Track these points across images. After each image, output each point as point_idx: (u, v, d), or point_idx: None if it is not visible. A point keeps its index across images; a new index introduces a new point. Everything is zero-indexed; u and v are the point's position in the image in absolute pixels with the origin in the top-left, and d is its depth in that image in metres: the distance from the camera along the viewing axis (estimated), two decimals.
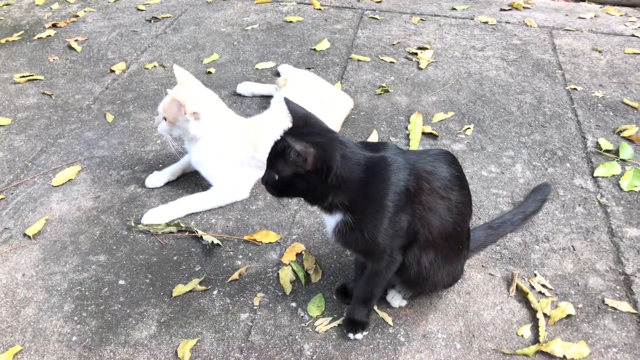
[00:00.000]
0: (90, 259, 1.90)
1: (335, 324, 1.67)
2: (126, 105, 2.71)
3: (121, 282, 1.82)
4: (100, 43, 3.31)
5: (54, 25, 3.52)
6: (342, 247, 1.52)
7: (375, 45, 3.24)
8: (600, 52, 3.17)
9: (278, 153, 1.38)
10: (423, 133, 2.48)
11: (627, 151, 2.35)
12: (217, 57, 3.11)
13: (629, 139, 2.45)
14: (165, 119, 2.01)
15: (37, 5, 3.83)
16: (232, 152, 2.09)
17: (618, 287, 1.79)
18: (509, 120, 2.59)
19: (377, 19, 3.55)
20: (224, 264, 1.88)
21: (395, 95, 2.77)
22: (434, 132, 2.48)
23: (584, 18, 3.59)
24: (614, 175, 2.25)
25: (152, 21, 3.55)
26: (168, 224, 2.00)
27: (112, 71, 3.00)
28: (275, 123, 2.17)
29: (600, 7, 3.77)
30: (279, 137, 1.42)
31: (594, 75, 2.95)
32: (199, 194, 2.08)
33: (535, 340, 1.63)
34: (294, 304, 1.74)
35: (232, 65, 3.04)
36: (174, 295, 1.76)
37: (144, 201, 2.14)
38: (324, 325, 1.67)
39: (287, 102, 1.45)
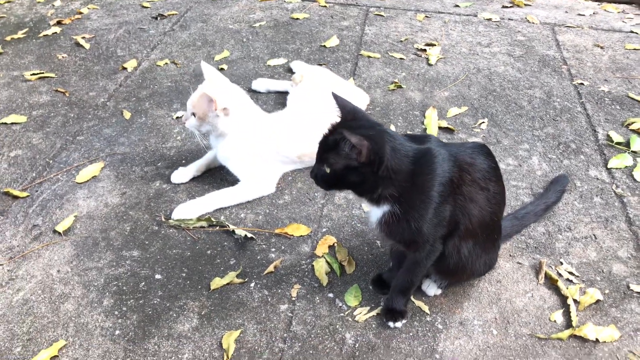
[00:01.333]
0: (124, 254, 1.91)
1: (373, 313, 1.71)
2: (142, 102, 2.72)
3: (157, 276, 1.84)
4: (108, 40, 3.30)
5: (59, 23, 3.49)
6: (386, 237, 1.55)
7: (383, 42, 3.28)
8: (602, 48, 3.26)
9: (329, 146, 1.41)
10: (439, 127, 2.53)
11: (637, 143, 2.43)
12: (227, 54, 3.13)
13: (637, 132, 2.53)
14: (194, 114, 2.03)
15: (39, 2, 3.80)
16: (259, 148, 2.12)
17: (636, 270, 1.86)
18: (521, 114, 2.65)
19: (382, 15, 3.60)
20: (258, 257, 1.90)
21: (409, 91, 2.82)
22: (450, 126, 2.53)
23: (584, 15, 3.68)
24: (626, 166, 2.32)
25: (159, 18, 3.55)
26: (199, 219, 2.02)
27: (124, 68, 3.00)
28: (297, 119, 2.19)
29: (598, 4, 3.87)
30: (327, 131, 1.45)
31: (598, 70, 3.03)
32: (228, 189, 2.11)
33: (568, 325, 1.69)
34: (331, 295, 1.78)
35: (244, 61, 3.06)
36: (212, 288, 1.79)
37: (171, 197, 2.15)
38: (362, 314, 1.71)
39: (335, 96, 1.48)
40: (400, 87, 2.84)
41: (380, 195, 1.43)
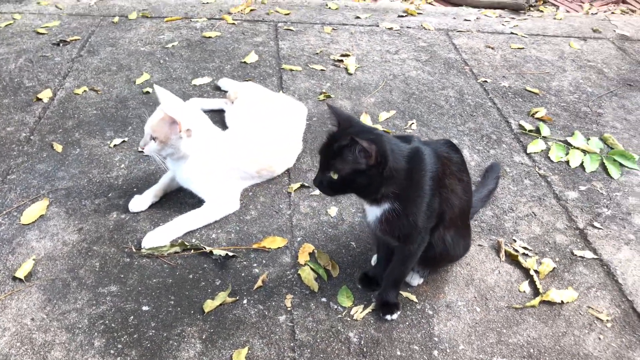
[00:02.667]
0: (101, 291, 1.83)
1: (369, 309, 1.81)
2: (70, 133, 2.58)
3: (145, 307, 1.78)
4: (9, 71, 3.07)
5: None
6: (383, 234, 1.65)
7: (300, 55, 3.39)
8: (492, 48, 3.65)
9: (334, 154, 1.48)
10: None
11: (545, 130, 2.77)
12: (148, 77, 3.05)
13: (542, 120, 2.88)
14: (154, 139, 1.99)
15: None
16: (221, 166, 2.12)
17: (578, 240, 2.14)
18: (442, 113, 2.90)
19: (292, 30, 3.71)
20: (243, 274, 1.91)
21: (338, 100, 2.96)
22: (386, 130, 2.70)
23: (469, 20, 4.08)
24: (542, 150, 2.64)
25: (61, 44, 3.36)
26: (172, 244, 1.98)
27: (39, 99, 2.81)
28: (251, 135, 2.23)
29: (478, 11, 4.30)
30: (327, 140, 1.52)
31: (495, 68, 3.39)
32: (194, 211, 2.08)
33: (535, 293, 1.90)
34: (324, 299, 1.84)
35: (167, 83, 3.01)
36: (206, 311, 1.77)
37: (133, 226, 2.08)
38: (359, 313, 1.79)
39: (331, 107, 1.55)
40: (329, 96, 2.97)
41: (382, 194, 1.53)
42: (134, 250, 1.97)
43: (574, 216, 2.25)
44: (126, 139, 2.54)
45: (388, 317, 1.77)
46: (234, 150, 2.16)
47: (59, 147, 2.47)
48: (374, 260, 1.96)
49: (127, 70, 3.12)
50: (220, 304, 1.80)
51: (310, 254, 2.00)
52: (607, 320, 1.82)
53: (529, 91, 3.15)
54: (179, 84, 3.01)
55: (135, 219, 2.12)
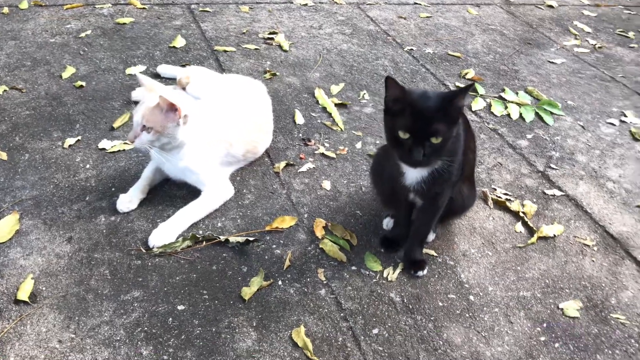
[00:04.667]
0: (125, 298, 1.68)
1: (399, 270, 1.87)
2: (8, 138, 2.28)
3: (180, 307, 1.68)
4: None
5: None
6: (420, 194, 1.71)
7: (227, 35, 3.30)
8: (405, 19, 3.84)
9: (432, 119, 1.47)
10: (335, 104, 2.73)
11: (480, 88, 3.01)
12: (74, 70, 2.78)
13: (473, 80, 3.12)
14: (147, 129, 1.84)
15: None
16: (215, 152, 2.04)
17: (544, 181, 2.39)
18: None
19: (209, 11, 3.58)
20: (266, 257, 1.87)
21: (285, 77, 2.94)
22: (343, 102, 2.75)
23: None
24: (484, 107, 2.87)
25: None
26: (184, 239, 1.87)
27: None
28: (230, 116, 2.14)
29: None
30: (413, 111, 1.49)
31: (414, 37, 3.58)
32: (195, 202, 1.98)
33: (530, 231, 2.10)
34: (354, 267, 1.87)
35: (100, 75, 2.77)
36: (246, 299, 1.71)
37: (130, 227, 1.93)
38: (391, 274, 1.86)
39: (390, 79, 1.51)
40: (275, 74, 2.94)
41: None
42: (144, 251, 1.83)
43: (532, 161, 2.50)
44: (80, 138, 2.31)
45: (420, 273, 1.85)
46: (226, 134, 2.07)
47: (3, 155, 2.18)
48: (385, 223, 2.03)
49: (46, 65, 2.80)
50: (258, 289, 1.75)
51: (324, 227, 2.00)
52: (593, 245, 2.07)
53: (452, 55, 3.38)
54: (113, 74, 2.78)
55: (127, 219, 1.96)
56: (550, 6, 4.40)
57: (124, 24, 3.29)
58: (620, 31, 4.06)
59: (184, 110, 1.85)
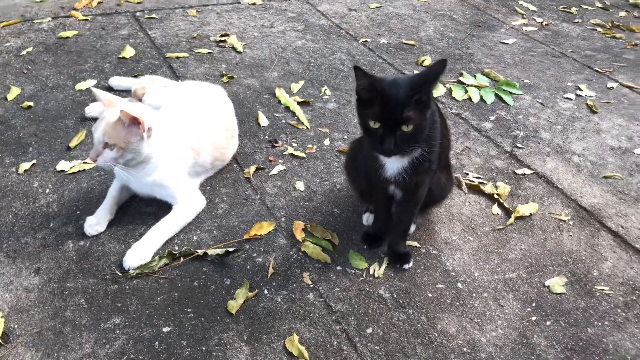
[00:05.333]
0: (106, 326, 1.59)
1: (384, 265, 1.85)
2: None
3: (165, 329, 1.60)
4: None
5: None
6: (401, 185, 1.68)
7: (178, 41, 3.20)
8: (355, 11, 3.82)
9: (403, 107, 1.43)
10: (297, 103, 2.68)
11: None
12: (19, 91, 2.63)
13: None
14: (110, 146, 1.75)
15: None
16: (183, 163, 1.96)
17: (512, 161, 2.41)
18: (345, 75, 2.99)
19: (155, 17, 3.47)
20: (248, 267, 1.82)
21: (243, 79, 2.87)
22: (306, 99, 2.71)
23: None
24: (445, 92, 2.88)
25: None
26: (161, 257, 1.79)
27: None
28: (195, 125, 2.06)
29: None
30: (383, 100, 1.45)
31: (367, 28, 3.56)
32: (168, 217, 1.90)
33: (507, 213, 2.12)
34: (339, 267, 1.84)
35: (48, 93, 2.63)
36: (233, 312, 1.65)
37: (101, 250, 1.83)
38: (377, 270, 1.83)
39: (358, 68, 1.47)
40: (232, 77, 2.87)
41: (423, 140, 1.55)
42: (119, 274, 1.74)
43: (498, 142, 2.52)
44: (35, 161, 2.19)
45: (406, 266, 1.83)
46: (189, 141, 1.99)
47: None
48: (365, 219, 2.00)
49: None
50: (244, 301, 1.69)
51: (303, 229, 1.96)
52: (568, 219, 2.10)
53: (406, 44, 3.38)
54: (62, 91, 2.65)
55: (97, 242, 1.86)
56: None
57: (67, 37, 3.14)
58: (564, 7, 4.15)
59: (147, 123, 1.76)
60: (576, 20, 3.94)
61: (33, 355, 1.50)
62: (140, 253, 1.78)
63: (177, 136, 1.96)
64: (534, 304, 1.75)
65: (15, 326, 1.58)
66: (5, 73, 2.77)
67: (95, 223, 1.88)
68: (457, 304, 1.74)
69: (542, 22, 3.86)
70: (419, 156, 1.60)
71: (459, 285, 1.80)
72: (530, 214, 2.10)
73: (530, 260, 1.91)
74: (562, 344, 1.63)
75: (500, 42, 3.51)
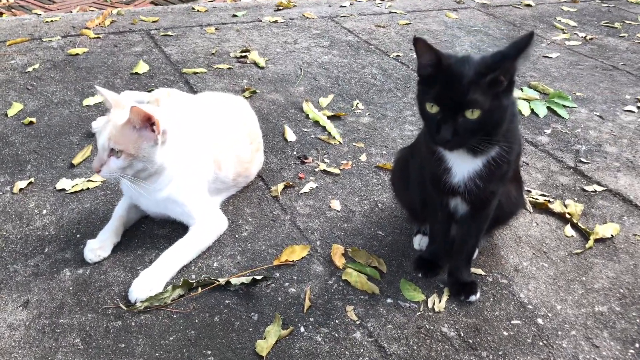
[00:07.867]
0: None
1: (445, 296, 1.52)
2: None
3: None
4: None
5: None
6: (473, 195, 1.35)
7: (195, 57, 2.97)
8: (384, 27, 3.58)
9: (467, 89, 1.14)
10: (328, 117, 2.40)
11: None
12: (21, 106, 2.39)
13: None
14: (117, 152, 1.46)
15: None
16: (202, 176, 1.67)
17: (579, 177, 2.09)
18: (379, 90, 2.71)
19: (171, 35, 3.25)
20: (279, 299, 1.49)
21: (266, 94, 2.61)
22: (337, 113, 2.44)
23: (345, 6, 3.98)
24: None
25: None
26: (175, 287, 1.48)
27: None
28: (217, 137, 1.78)
29: None
30: (447, 79, 1.17)
31: (397, 44, 3.31)
32: (183, 240, 1.59)
33: (582, 234, 1.78)
34: (390, 300, 1.51)
35: (53, 109, 2.38)
36: (263, 355, 1.32)
37: (103, 280, 1.53)
38: (437, 303, 1.50)
39: (419, 40, 1.19)
40: (254, 92, 2.61)
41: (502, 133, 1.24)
42: (124, 307, 1.43)
43: (559, 157, 2.21)
44: (32, 180, 1.91)
45: (472, 298, 1.50)
46: (209, 153, 1.71)
47: None
48: (417, 242, 1.68)
49: None
50: (277, 341, 1.36)
51: (343, 254, 1.64)
52: None
53: None
54: (68, 107, 2.40)
55: (99, 270, 1.56)
56: (529, 5, 4.23)
57: (77, 54, 2.92)
58: (607, 23, 3.89)
59: (162, 125, 1.48)
60: (622, 35, 3.66)
61: None
62: (149, 282, 1.46)
63: (196, 145, 1.67)
64: (637, 345, 1.40)
65: None
66: (8, 89, 2.54)
67: (98, 247, 1.58)
68: (541, 344, 1.39)
69: (585, 36, 3.59)
70: (497, 157, 1.28)
71: (539, 321, 1.46)
72: (612, 236, 1.77)
73: (622, 291, 1.57)
74: None
75: (544, 56, 3.23)
